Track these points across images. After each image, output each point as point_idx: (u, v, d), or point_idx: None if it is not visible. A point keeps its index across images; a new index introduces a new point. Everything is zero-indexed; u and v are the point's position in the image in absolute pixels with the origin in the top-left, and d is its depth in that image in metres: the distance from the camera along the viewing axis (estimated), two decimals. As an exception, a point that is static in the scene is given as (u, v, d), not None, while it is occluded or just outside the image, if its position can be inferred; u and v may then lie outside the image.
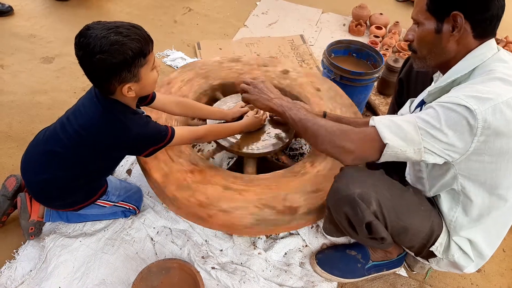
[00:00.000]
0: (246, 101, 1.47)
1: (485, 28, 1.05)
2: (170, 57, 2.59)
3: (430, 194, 1.23)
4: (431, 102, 1.08)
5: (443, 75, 1.15)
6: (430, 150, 1.02)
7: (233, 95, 1.80)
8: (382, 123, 1.06)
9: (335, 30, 3.06)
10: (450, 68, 1.10)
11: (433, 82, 1.28)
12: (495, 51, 1.06)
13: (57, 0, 3.02)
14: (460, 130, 0.98)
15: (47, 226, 1.51)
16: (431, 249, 1.22)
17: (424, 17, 1.09)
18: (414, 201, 1.21)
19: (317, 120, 1.19)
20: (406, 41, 1.19)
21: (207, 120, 1.65)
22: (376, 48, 2.36)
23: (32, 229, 1.43)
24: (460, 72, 1.08)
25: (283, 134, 1.61)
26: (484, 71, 1.04)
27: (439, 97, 1.09)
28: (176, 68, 2.48)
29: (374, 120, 1.07)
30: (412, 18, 1.14)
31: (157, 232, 1.53)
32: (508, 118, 0.96)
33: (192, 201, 1.34)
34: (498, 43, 2.82)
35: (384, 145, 1.03)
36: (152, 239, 1.51)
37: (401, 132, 1.03)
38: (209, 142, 1.93)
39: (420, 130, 1.01)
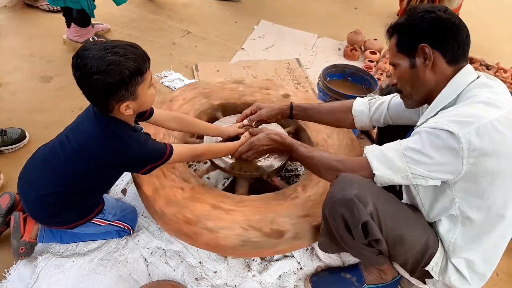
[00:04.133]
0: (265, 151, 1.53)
1: (455, 54, 1.13)
2: (168, 78, 2.62)
3: (430, 219, 1.24)
4: None
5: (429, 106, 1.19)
6: (419, 175, 1.10)
7: (232, 115, 1.83)
8: (372, 153, 1.18)
9: (330, 54, 3.12)
10: (435, 98, 1.16)
11: (420, 115, 1.32)
12: (475, 76, 1.13)
13: (52, 13, 3.09)
14: (445, 152, 1.04)
15: (40, 245, 1.50)
16: (426, 268, 1.23)
17: (398, 58, 1.19)
18: (411, 214, 1.23)
19: (314, 155, 1.33)
20: (392, 85, 1.27)
21: (204, 138, 1.66)
22: (371, 73, 2.41)
23: (22, 249, 1.41)
24: (445, 101, 1.14)
25: (277, 156, 1.63)
26: (468, 96, 1.10)
27: None
28: (174, 88, 2.51)
29: (366, 150, 1.21)
30: (390, 64, 1.25)
31: (151, 253, 1.52)
32: (494, 139, 1.01)
33: (179, 218, 1.37)
34: (489, 69, 2.90)
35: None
36: (145, 259, 1.50)
37: (388, 161, 1.13)
38: (205, 162, 1.94)
39: (405, 157, 1.10)
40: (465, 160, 1.02)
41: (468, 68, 1.14)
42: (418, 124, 1.21)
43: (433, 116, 1.15)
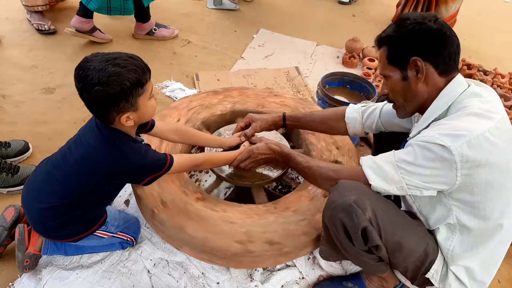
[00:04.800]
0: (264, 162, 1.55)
1: (447, 65, 1.13)
2: (169, 88, 2.64)
3: (429, 227, 1.26)
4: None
5: (421, 115, 1.21)
6: (414, 186, 1.11)
7: (228, 125, 1.85)
8: (367, 164, 1.19)
9: (329, 62, 3.15)
10: (427, 108, 1.18)
11: (412, 122, 1.34)
12: (466, 86, 1.14)
13: (41, 34, 3.07)
14: (438, 164, 1.05)
15: (44, 258, 1.51)
16: (427, 276, 1.24)
17: (389, 70, 1.19)
18: (410, 220, 1.24)
19: (311, 165, 1.35)
20: (383, 95, 1.28)
21: (205, 149, 1.68)
22: (369, 80, 2.43)
23: (27, 262, 1.42)
24: (436, 112, 1.15)
25: (275, 166, 1.64)
26: (459, 107, 1.11)
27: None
28: (175, 98, 2.53)
29: (361, 161, 1.21)
30: (380, 74, 1.24)
31: (154, 264, 1.53)
32: (486, 150, 1.03)
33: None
34: (487, 75, 2.92)
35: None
36: (148, 271, 1.51)
37: (382, 173, 1.15)
38: (207, 172, 1.96)
39: (399, 169, 1.12)
40: (459, 171, 1.04)
41: (459, 78, 1.15)
42: (410, 135, 1.23)
43: (425, 127, 1.16)
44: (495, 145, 1.04)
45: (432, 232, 1.26)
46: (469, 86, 1.15)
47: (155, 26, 3.14)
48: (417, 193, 1.13)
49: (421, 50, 1.11)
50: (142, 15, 3.04)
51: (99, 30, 3.01)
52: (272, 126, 1.67)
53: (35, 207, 1.34)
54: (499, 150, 1.05)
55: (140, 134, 1.44)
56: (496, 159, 1.05)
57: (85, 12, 2.85)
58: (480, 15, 4.09)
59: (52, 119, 2.28)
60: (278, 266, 1.56)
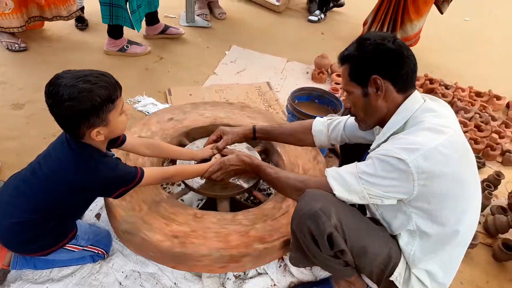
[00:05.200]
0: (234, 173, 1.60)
1: (404, 83, 1.22)
2: (141, 103, 2.65)
3: (392, 232, 1.32)
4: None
5: (382, 128, 1.29)
6: (375, 196, 1.18)
7: (200, 139, 1.89)
8: (331, 175, 1.26)
9: (299, 77, 3.25)
10: (387, 122, 1.26)
11: (374, 134, 1.42)
12: (422, 102, 1.22)
13: (10, 51, 3.03)
14: (396, 175, 1.13)
15: (13, 272, 1.48)
16: (391, 278, 1.29)
17: (351, 87, 1.27)
18: (374, 226, 1.31)
19: (279, 176, 1.42)
20: (346, 109, 1.35)
21: (177, 162, 1.70)
22: (337, 94, 2.53)
23: (-5, 277, 1.40)
24: (394, 127, 1.24)
25: (248, 177, 1.69)
26: (415, 122, 1.19)
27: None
28: (147, 113, 2.55)
29: (326, 172, 1.29)
30: (343, 89, 1.32)
31: (126, 276, 1.53)
32: (440, 162, 1.11)
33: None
34: (448, 89, 3.08)
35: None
36: (120, 283, 1.51)
37: (345, 184, 1.23)
38: (179, 184, 1.98)
39: (361, 180, 1.19)
40: (416, 182, 1.12)
41: (415, 95, 1.24)
42: (371, 147, 1.31)
43: (384, 141, 1.25)
44: (448, 157, 1.13)
45: (394, 237, 1.33)
46: (424, 101, 1.24)
47: (127, 43, 3.18)
48: (378, 202, 1.21)
49: (380, 69, 1.20)
50: (116, 31, 3.07)
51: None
52: (243, 139, 1.72)
53: (3, 222, 1.32)
54: (452, 162, 1.14)
55: (111, 149, 1.46)
56: (449, 170, 1.14)
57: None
58: (442, 33, 4.31)
59: (21, 134, 2.26)
60: (250, 274, 1.59)
